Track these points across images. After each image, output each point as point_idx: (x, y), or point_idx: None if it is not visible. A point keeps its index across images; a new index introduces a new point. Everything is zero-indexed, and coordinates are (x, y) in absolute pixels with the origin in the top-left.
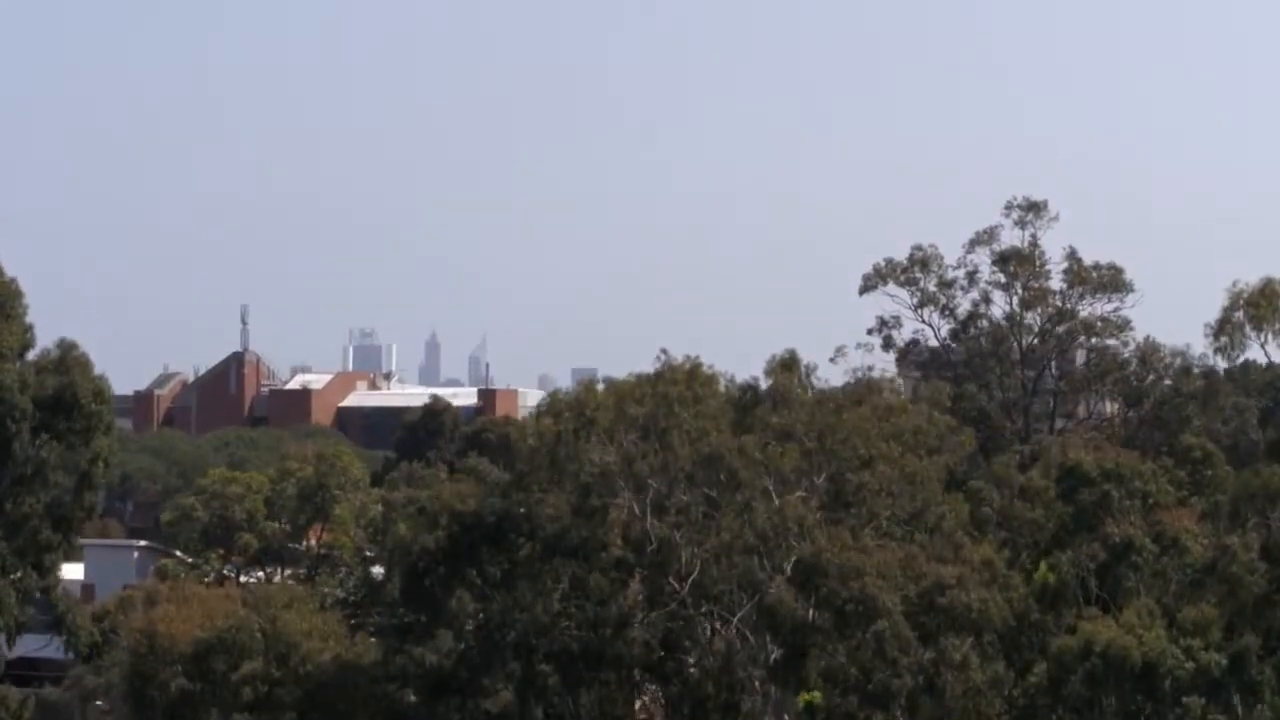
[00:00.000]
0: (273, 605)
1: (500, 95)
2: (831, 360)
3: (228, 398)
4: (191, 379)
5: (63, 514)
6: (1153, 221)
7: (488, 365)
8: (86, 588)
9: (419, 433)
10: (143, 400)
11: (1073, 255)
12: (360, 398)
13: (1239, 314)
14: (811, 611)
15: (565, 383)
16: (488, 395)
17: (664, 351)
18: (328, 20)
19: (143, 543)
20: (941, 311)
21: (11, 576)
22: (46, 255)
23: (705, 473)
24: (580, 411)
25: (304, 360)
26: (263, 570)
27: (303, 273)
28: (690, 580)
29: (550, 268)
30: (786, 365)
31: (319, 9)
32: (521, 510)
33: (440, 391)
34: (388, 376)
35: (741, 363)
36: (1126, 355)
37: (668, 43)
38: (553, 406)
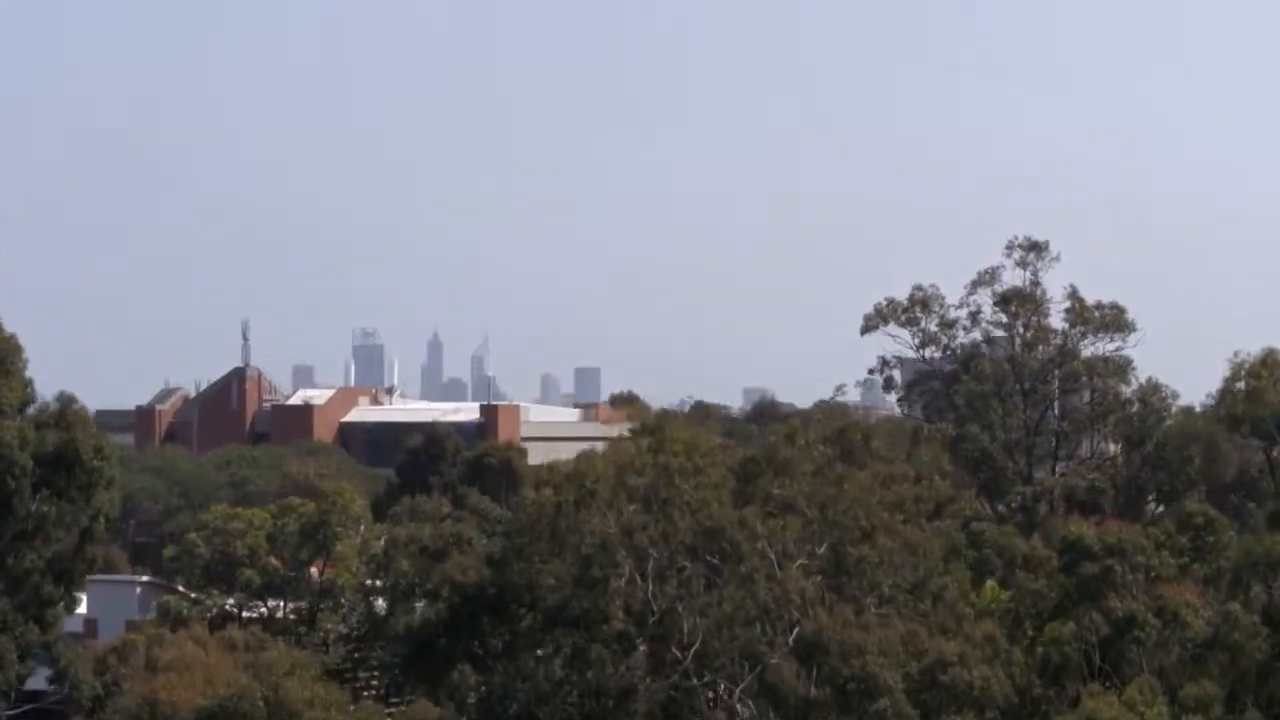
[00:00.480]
0: (275, 673)
1: (500, 95)
2: (832, 399)
3: (229, 413)
4: (193, 394)
5: (64, 568)
6: (1152, 221)
7: (491, 378)
8: (89, 623)
9: (421, 457)
10: (144, 416)
11: (1074, 295)
12: (362, 413)
13: (1240, 385)
14: (812, 688)
15: (568, 382)
16: (490, 411)
17: (665, 410)
18: (328, 20)
19: (145, 578)
20: (943, 351)
21: (13, 633)
22: (47, 255)
23: (707, 543)
24: (580, 482)
25: (306, 360)
26: (265, 605)
27: (304, 272)
28: (693, 650)
29: (551, 268)
30: (789, 436)
31: (319, 9)
32: (522, 581)
33: (441, 406)
34: (389, 391)
35: (741, 363)
36: (1128, 395)
37: (668, 43)
38: (551, 477)
